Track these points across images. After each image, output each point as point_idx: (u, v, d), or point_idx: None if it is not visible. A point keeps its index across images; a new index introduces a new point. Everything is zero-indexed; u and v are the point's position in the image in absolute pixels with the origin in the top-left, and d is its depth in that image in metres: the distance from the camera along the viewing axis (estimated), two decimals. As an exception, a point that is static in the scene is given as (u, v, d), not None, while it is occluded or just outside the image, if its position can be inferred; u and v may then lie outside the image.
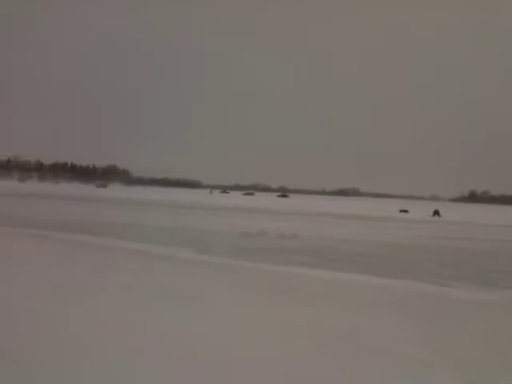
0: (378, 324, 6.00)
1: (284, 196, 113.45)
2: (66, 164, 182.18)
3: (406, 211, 50.46)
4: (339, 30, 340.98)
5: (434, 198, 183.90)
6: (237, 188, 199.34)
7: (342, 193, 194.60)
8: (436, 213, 43.11)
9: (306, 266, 11.35)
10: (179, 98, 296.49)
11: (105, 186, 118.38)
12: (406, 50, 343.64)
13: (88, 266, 9.10)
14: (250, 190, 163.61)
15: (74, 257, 10.41)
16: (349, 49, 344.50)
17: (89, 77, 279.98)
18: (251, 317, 5.94)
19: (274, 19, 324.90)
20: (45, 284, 7.12)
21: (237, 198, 75.04)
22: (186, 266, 10.15)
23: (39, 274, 7.88)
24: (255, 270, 10.36)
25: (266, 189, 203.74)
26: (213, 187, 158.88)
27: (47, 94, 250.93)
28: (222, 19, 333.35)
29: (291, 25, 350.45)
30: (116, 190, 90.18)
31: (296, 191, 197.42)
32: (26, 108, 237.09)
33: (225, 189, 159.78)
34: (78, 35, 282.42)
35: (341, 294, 8.14)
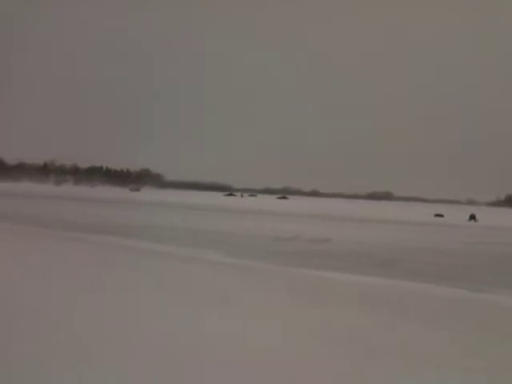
0: (414, 331, 5.81)
1: (314, 197, 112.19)
2: (101, 168, 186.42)
3: (441, 215, 49.28)
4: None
5: (470, 202, 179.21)
6: (268, 191, 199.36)
7: (374, 196, 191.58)
8: (472, 217, 42.03)
9: (338, 270, 11.17)
10: (204, 100, 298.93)
11: (138, 190, 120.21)
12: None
13: (121, 268, 9.18)
14: (280, 193, 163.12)
15: (108, 259, 10.53)
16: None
17: (107, 79, 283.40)
18: (280, 320, 5.84)
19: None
20: (79, 285, 7.21)
21: (268, 202, 74.95)
22: (217, 269, 10.14)
23: (74, 276, 7.99)
24: (286, 273, 10.25)
25: (298, 192, 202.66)
26: (243, 191, 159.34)
27: (82, 99, 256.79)
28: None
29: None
30: (149, 194, 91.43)
31: (328, 195, 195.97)
32: (60, 112, 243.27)
33: (255, 192, 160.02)
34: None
35: (375, 299, 7.93)
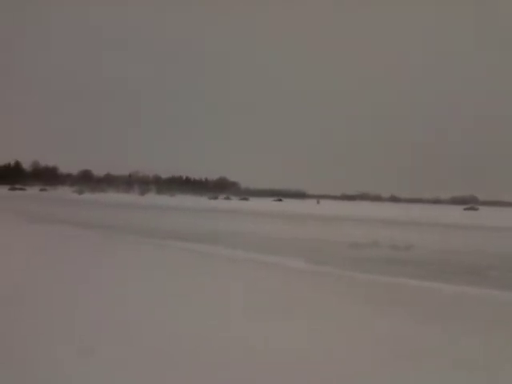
0: (504, 344, 5.37)
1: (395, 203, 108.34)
2: (181, 177, 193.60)
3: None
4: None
5: None
6: (344, 198, 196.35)
7: (457, 201, 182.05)
8: None
9: (423, 278, 10.67)
10: (284, 111, 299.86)
11: (216, 198, 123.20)
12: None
13: (202, 274, 9.37)
14: (357, 199, 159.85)
15: (190, 265, 10.80)
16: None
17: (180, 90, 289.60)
18: (359, 329, 5.64)
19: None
20: (165, 290, 7.44)
21: (345, 207, 73.70)
22: (296, 276, 10.06)
23: (160, 282, 8.26)
24: (366, 280, 9.95)
25: (376, 198, 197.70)
26: (319, 197, 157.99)
27: (157, 113, 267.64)
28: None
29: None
30: (226, 201, 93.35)
31: (409, 200, 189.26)
32: (142, 126, 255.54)
33: (332, 199, 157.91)
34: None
35: (466, 310, 7.46)
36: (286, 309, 6.54)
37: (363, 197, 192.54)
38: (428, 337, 5.49)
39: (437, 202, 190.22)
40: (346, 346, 4.99)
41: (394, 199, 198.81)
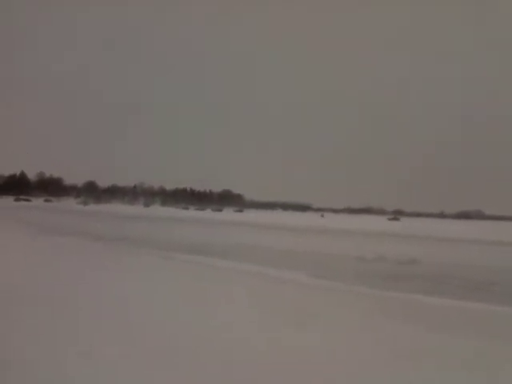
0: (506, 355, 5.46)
1: (396, 219, 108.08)
2: (185, 189, 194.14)
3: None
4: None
5: None
6: (349, 211, 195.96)
7: (463, 216, 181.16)
8: None
9: (426, 293, 10.75)
10: (286, 125, 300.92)
11: (220, 210, 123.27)
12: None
13: (207, 285, 9.48)
14: (362, 213, 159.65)
15: (196, 276, 10.92)
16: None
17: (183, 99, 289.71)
18: (367, 343, 5.75)
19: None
20: (171, 300, 7.57)
21: (350, 221, 73.64)
22: (302, 289, 10.15)
23: (163, 295, 8.39)
24: (371, 295, 10.03)
25: (380, 212, 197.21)
26: (323, 210, 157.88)
27: (164, 124, 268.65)
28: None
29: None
30: (230, 214, 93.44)
31: (412, 214, 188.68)
32: (148, 138, 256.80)
33: (336, 212, 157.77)
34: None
35: (469, 325, 7.55)
36: (292, 322, 6.65)
37: (367, 210, 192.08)
38: (437, 349, 5.59)
39: (441, 216, 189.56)
40: (354, 359, 5.10)
41: (398, 213, 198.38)
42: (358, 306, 8.55)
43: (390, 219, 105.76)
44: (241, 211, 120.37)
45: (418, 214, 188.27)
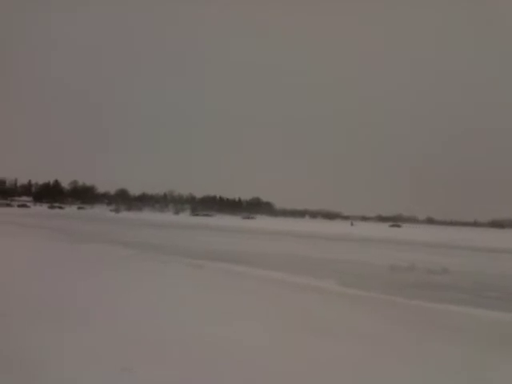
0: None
1: (425, 227, 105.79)
2: (214, 197, 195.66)
3: None
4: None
5: None
6: (379, 219, 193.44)
7: (496, 224, 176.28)
8: None
9: (459, 303, 10.59)
10: (320, 132, 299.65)
11: (249, 218, 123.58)
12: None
13: (236, 294, 9.61)
14: (393, 221, 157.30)
15: (224, 285, 11.06)
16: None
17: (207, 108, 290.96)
18: (394, 354, 5.75)
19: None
20: (200, 309, 7.73)
21: (380, 230, 72.73)
22: (331, 299, 10.14)
23: (194, 302, 8.56)
24: (402, 305, 9.94)
25: (411, 220, 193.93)
26: (352, 218, 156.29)
27: (194, 134, 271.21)
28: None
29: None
30: (260, 222, 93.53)
31: (445, 223, 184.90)
32: (179, 147, 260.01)
33: (366, 220, 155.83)
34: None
35: (504, 337, 7.43)
36: (322, 331, 6.70)
37: (398, 219, 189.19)
38: (470, 364, 5.55)
39: (474, 224, 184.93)
40: (386, 371, 5.13)
41: (430, 221, 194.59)
42: (387, 316, 8.51)
43: (419, 227, 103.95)
44: (272, 217, 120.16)
45: (450, 223, 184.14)
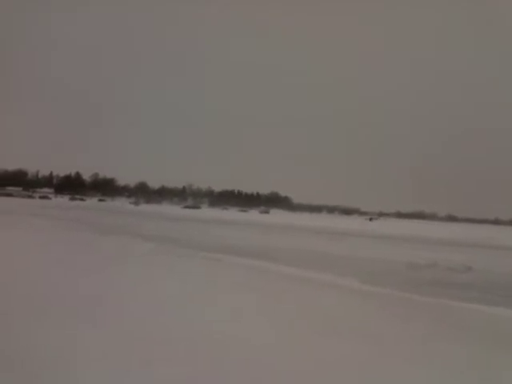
0: None
1: (446, 224, 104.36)
2: (233, 191, 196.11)
3: None
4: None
5: None
6: (398, 215, 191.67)
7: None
8: None
9: (480, 302, 10.33)
10: (344, 130, 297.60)
11: (267, 212, 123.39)
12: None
13: (255, 291, 9.50)
14: (412, 217, 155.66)
15: (243, 280, 10.97)
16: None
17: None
18: (423, 354, 5.58)
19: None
20: (217, 305, 7.65)
21: (400, 226, 71.86)
22: (350, 296, 9.96)
23: (215, 298, 8.49)
24: (424, 303, 9.72)
25: (432, 216, 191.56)
26: (371, 214, 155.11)
27: (218, 128, 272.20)
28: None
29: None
30: (278, 216, 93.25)
31: (465, 220, 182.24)
32: (195, 140, 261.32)
33: (385, 216, 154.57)
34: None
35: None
36: (341, 329, 6.56)
37: (418, 215, 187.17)
38: (495, 365, 5.37)
39: (496, 222, 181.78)
40: (407, 370, 4.98)
41: (451, 218, 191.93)
42: (407, 314, 8.32)
43: (440, 224, 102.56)
44: (290, 212, 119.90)
45: (471, 220, 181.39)
